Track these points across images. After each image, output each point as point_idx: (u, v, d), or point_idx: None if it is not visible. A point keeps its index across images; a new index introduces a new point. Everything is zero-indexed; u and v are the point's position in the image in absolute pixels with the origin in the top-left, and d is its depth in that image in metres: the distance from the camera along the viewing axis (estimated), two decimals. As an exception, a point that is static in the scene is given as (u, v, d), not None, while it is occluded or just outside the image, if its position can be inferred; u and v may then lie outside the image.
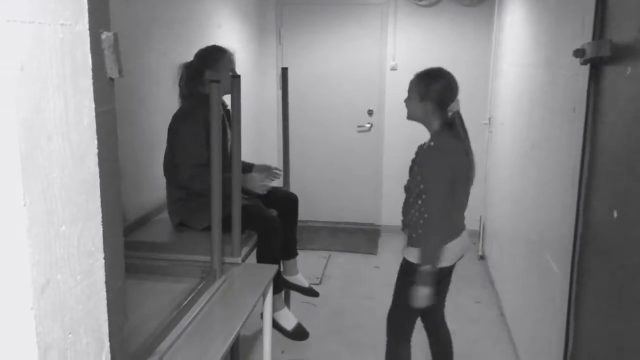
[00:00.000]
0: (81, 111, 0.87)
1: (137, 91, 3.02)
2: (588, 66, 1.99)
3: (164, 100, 3.24)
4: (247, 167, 3.06)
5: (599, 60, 1.87)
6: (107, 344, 0.97)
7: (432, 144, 2.43)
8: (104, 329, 0.96)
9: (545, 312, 2.65)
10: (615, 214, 1.67)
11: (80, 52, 0.87)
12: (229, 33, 4.49)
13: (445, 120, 2.43)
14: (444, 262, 2.45)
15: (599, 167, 1.93)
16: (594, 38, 1.97)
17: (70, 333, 0.86)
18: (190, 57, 2.90)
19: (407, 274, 2.50)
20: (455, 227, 2.49)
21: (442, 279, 2.57)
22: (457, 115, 2.44)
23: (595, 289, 1.95)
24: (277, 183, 3.26)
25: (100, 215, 0.93)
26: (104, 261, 0.95)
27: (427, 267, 2.34)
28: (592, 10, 1.98)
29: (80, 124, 0.87)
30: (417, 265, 2.39)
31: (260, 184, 2.81)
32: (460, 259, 2.58)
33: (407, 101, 2.49)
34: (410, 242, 2.49)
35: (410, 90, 2.47)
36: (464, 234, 2.55)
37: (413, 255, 2.45)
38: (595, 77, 1.97)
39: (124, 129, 2.90)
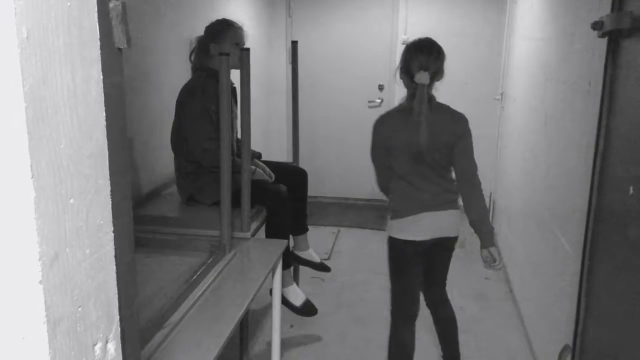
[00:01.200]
0: (89, 82, 0.85)
1: (144, 64, 2.99)
2: (606, 39, 1.95)
3: (172, 74, 3.22)
4: (255, 155, 3.03)
5: (617, 33, 1.83)
6: (117, 317, 0.97)
7: (381, 114, 2.51)
8: (114, 303, 0.95)
9: (555, 289, 2.64)
10: (631, 190, 1.64)
11: (87, 20, 0.85)
12: (237, 6, 4.43)
13: (411, 93, 2.37)
14: (411, 235, 2.45)
15: (615, 142, 1.90)
16: (612, 10, 1.92)
17: (79, 307, 0.85)
18: (197, 31, 2.87)
19: (390, 250, 2.55)
20: (423, 202, 2.44)
21: (427, 257, 2.55)
22: (420, 88, 2.30)
23: (609, 266, 1.93)
24: (287, 158, 3.25)
25: (109, 188, 0.91)
26: (113, 234, 0.93)
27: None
28: (611, -18, 1.93)
29: (87, 95, 0.85)
30: (398, 239, 2.48)
31: (267, 174, 2.94)
32: (447, 240, 2.52)
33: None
34: (390, 215, 2.55)
35: None
36: (443, 213, 2.46)
37: (389, 228, 2.53)
38: (613, 51, 1.92)
39: (132, 102, 2.88)
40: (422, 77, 2.30)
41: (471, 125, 2.48)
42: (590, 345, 2.11)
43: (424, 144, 2.32)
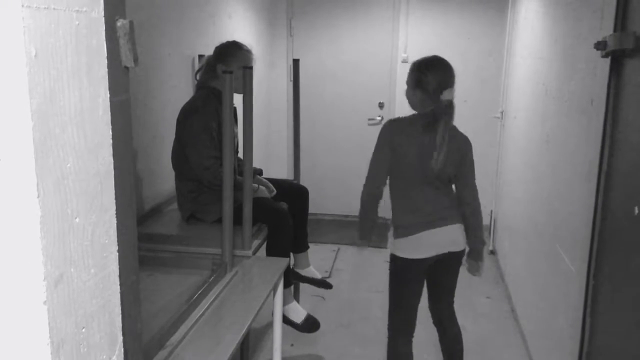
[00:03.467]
0: (96, 100, 0.85)
1: (147, 81, 3.00)
2: (608, 59, 1.95)
3: (175, 90, 3.23)
4: (256, 172, 3.03)
5: (620, 53, 1.83)
6: (121, 338, 0.95)
7: (390, 118, 2.48)
8: (118, 323, 0.94)
9: (558, 309, 2.62)
10: (636, 211, 1.63)
11: (95, 39, 0.85)
12: (239, 24, 4.46)
13: (436, 110, 2.37)
14: (416, 254, 2.44)
15: (619, 161, 1.89)
16: (615, 30, 1.93)
17: (83, 327, 0.84)
18: (199, 48, 2.88)
19: (392, 267, 2.54)
20: (426, 217, 2.43)
21: (431, 273, 2.56)
22: (449, 104, 2.37)
23: (614, 286, 1.91)
24: (288, 176, 3.25)
25: (114, 207, 0.91)
26: (118, 254, 0.93)
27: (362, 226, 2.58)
28: (614, 2, 1.94)
29: (95, 113, 0.85)
30: (401, 258, 2.46)
31: (269, 190, 2.95)
32: (453, 255, 2.52)
33: (406, 90, 2.49)
34: (393, 234, 2.53)
35: (407, 79, 2.47)
36: (446, 228, 2.47)
37: (392, 246, 2.52)
38: (616, 70, 1.92)
39: (135, 119, 2.88)
40: (449, 94, 2.36)
41: (471, 143, 2.52)
42: (595, 366, 2.09)
43: (443, 159, 2.35)
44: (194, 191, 2.76)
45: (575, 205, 2.39)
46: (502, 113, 4.88)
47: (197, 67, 3.38)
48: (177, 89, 3.25)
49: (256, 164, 2.83)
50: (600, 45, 1.90)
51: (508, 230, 4.37)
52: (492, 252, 4.93)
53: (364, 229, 2.60)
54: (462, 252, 2.57)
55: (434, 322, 2.77)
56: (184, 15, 3.40)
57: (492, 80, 5.14)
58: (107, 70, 0.87)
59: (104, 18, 0.86)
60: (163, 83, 3.16)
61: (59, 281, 0.78)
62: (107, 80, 0.87)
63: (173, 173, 2.85)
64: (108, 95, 0.88)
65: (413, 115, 2.46)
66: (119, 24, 0.91)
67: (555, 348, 2.63)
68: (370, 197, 2.48)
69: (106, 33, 0.87)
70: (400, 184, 2.45)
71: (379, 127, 5.49)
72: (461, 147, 2.45)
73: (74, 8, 0.79)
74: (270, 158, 5.67)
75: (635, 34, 1.74)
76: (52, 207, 0.76)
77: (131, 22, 0.92)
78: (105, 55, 0.87)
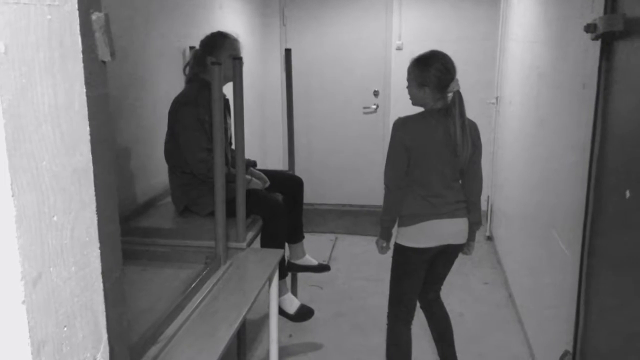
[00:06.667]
0: (71, 96, 0.84)
1: (138, 74, 2.97)
2: (599, 42, 1.94)
3: (167, 82, 3.20)
4: (250, 164, 3.03)
5: (611, 36, 1.82)
6: (105, 336, 0.95)
7: (399, 116, 2.46)
8: (102, 321, 0.93)
9: (554, 293, 2.62)
10: (628, 194, 1.63)
11: (69, 33, 0.83)
12: (230, 14, 4.42)
13: (446, 103, 2.41)
14: (421, 243, 2.47)
15: (611, 145, 1.88)
16: (605, 12, 1.91)
17: (65, 327, 0.83)
18: (190, 40, 2.85)
19: (396, 256, 2.57)
20: (435, 208, 2.45)
21: (433, 261, 2.57)
22: (457, 95, 2.40)
23: (607, 270, 1.91)
24: (283, 166, 3.23)
25: (94, 203, 0.89)
26: (99, 251, 0.91)
27: (383, 224, 2.56)
28: (604, -16, 1.92)
29: (70, 109, 0.83)
30: (405, 247, 2.49)
31: (262, 181, 2.96)
32: (454, 247, 2.55)
33: (408, 88, 2.49)
34: (398, 223, 2.54)
35: (408, 78, 2.47)
36: (453, 220, 2.49)
37: (397, 235, 2.54)
38: (606, 53, 1.91)
39: (126, 112, 2.86)
40: (456, 85, 2.39)
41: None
42: (590, 350, 2.09)
43: (465, 149, 2.38)
44: (188, 184, 2.75)
45: (568, 190, 2.39)
46: (497, 99, 4.86)
47: (187, 58, 3.36)
48: (168, 81, 3.22)
49: (252, 155, 2.82)
50: (590, 28, 1.88)
51: (504, 215, 4.37)
52: (489, 238, 4.93)
53: (389, 231, 2.59)
54: (463, 245, 2.59)
55: (421, 307, 2.81)
56: (174, 7, 3.36)
57: (486, 65, 5.11)
58: (82, 65, 0.86)
59: (77, 12, 0.85)
60: (153, 75, 3.13)
61: (38, 280, 0.77)
62: (82, 75, 0.86)
63: (166, 166, 2.84)
64: (84, 90, 0.86)
65: (423, 112, 2.46)
66: (94, 17, 0.89)
67: (553, 333, 2.64)
68: (396, 203, 2.48)
69: (81, 27, 0.86)
70: (415, 178, 2.45)
71: (374, 115, 5.52)
72: (473, 133, 2.48)
73: (46, 2, 0.78)
74: (266, 149, 5.65)
75: (624, 15, 1.72)
76: (28, 206, 0.75)
77: (106, 15, 0.90)
78: (81, 49, 0.86)
